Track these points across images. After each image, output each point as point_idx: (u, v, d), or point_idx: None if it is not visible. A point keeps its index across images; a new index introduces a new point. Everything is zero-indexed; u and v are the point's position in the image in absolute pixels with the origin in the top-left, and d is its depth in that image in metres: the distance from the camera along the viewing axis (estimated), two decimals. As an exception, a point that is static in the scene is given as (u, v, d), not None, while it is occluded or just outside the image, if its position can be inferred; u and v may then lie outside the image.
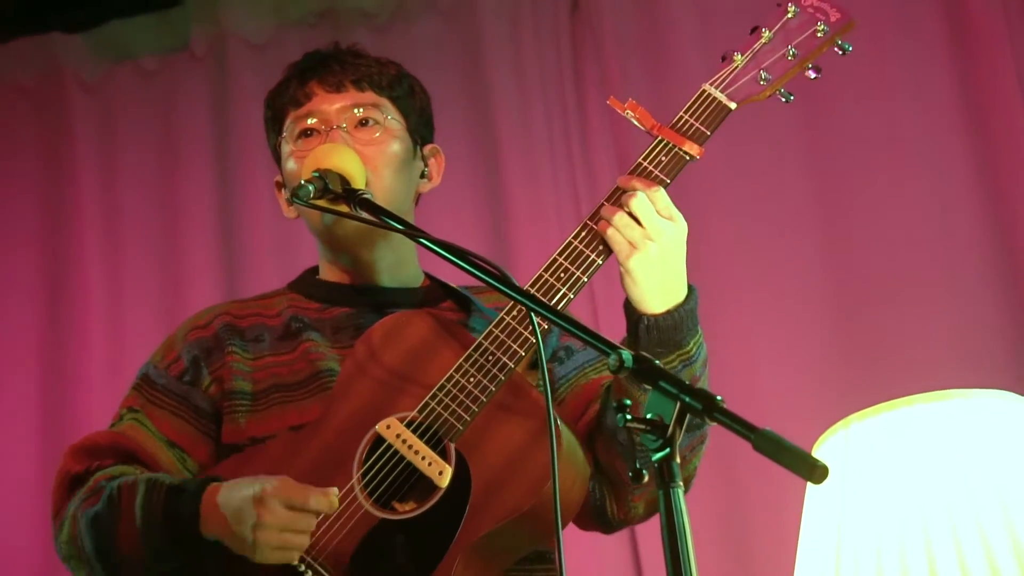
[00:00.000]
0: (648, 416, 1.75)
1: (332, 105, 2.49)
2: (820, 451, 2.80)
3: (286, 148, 2.51)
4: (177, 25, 4.61)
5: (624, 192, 2.25)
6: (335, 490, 2.16)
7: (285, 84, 2.55)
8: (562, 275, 2.25)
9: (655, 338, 2.24)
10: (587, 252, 2.25)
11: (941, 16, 4.07)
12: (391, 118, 2.50)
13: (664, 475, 1.74)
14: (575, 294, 2.24)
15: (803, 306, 3.99)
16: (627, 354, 1.80)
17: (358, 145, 2.44)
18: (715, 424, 1.73)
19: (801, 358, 3.94)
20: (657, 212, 2.22)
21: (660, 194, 2.23)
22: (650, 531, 3.88)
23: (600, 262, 2.25)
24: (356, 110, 2.48)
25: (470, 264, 2.14)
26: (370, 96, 2.50)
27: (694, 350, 2.29)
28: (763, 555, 3.81)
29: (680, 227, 2.25)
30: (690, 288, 2.28)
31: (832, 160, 4.07)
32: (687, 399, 1.74)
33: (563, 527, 2.29)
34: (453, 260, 2.15)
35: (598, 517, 2.43)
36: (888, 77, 4.06)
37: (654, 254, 2.22)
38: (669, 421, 1.74)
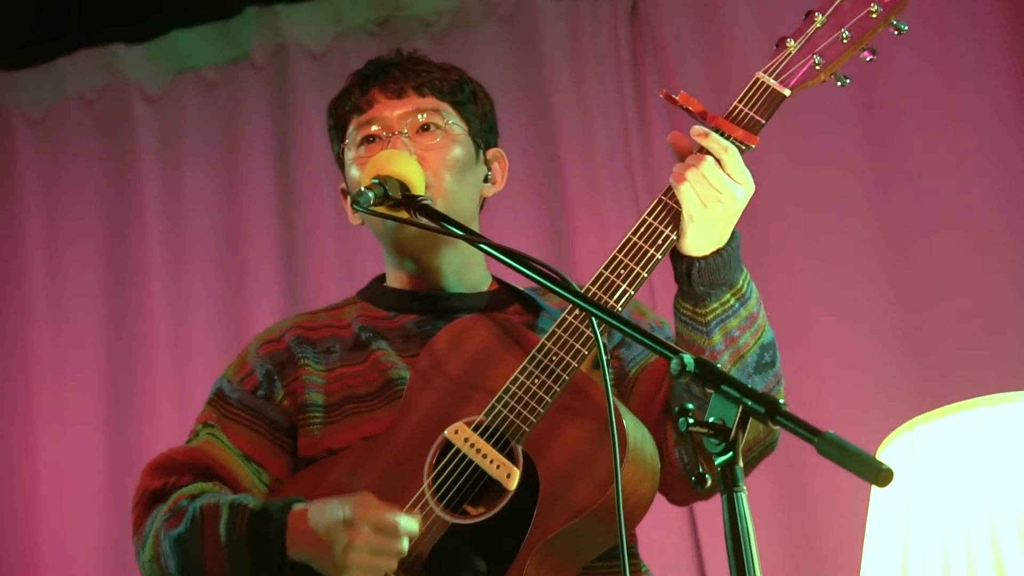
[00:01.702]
0: (710, 420, 1.75)
1: (393, 111, 2.49)
2: (884, 454, 2.79)
3: (349, 155, 2.53)
4: (237, 35, 4.64)
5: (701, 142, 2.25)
6: (418, 516, 2.20)
7: (347, 92, 2.56)
8: (636, 254, 2.25)
9: (707, 279, 2.25)
10: (661, 228, 2.25)
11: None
12: (452, 123, 2.51)
13: (727, 479, 1.73)
14: (649, 272, 2.25)
15: (866, 309, 3.96)
16: (688, 358, 1.80)
17: (419, 150, 2.44)
18: (778, 427, 1.72)
19: (864, 361, 3.92)
20: (730, 175, 2.23)
21: (736, 156, 2.24)
22: (714, 534, 3.87)
23: (675, 237, 2.25)
24: (418, 116, 2.49)
25: (531, 269, 2.15)
26: (431, 101, 2.51)
27: (745, 286, 2.29)
28: (828, 559, 3.79)
29: (749, 190, 2.25)
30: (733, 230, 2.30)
31: (893, 157, 4.04)
32: (749, 402, 1.74)
33: (635, 523, 2.30)
34: (513, 265, 2.17)
35: (695, 487, 2.41)
36: (949, 59, 4.03)
37: (720, 213, 2.23)
38: (731, 425, 1.74)
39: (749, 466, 2.32)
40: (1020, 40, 4.04)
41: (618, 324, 2.06)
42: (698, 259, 2.25)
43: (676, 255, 2.28)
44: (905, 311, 3.94)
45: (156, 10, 4.71)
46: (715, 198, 2.22)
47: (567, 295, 2.12)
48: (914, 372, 3.86)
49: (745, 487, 1.73)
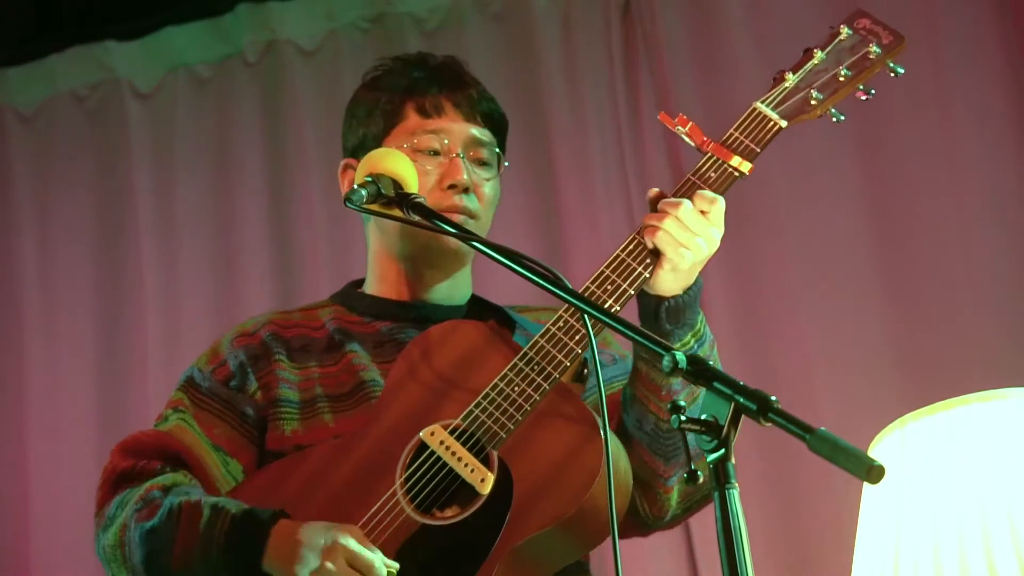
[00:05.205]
0: (703, 417, 1.76)
1: (463, 132, 2.50)
2: (876, 451, 2.79)
3: (404, 145, 2.49)
4: (230, 32, 4.64)
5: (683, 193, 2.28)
6: (396, 566, 2.17)
7: (410, 78, 2.55)
8: (608, 287, 2.27)
9: (674, 318, 2.30)
10: (634, 264, 2.28)
11: (998, 30, 4.04)
12: (499, 159, 2.55)
13: (719, 476, 1.74)
14: (621, 306, 2.27)
15: (858, 307, 3.97)
16: (681, 355, 1.80)
17: (473, 178, 2.48)
18: (771, 425, 1.73)
19: (856, 358, 3.92)
20: (711, 222, 2.26)
21: (722, 206, 2.27)
22: (706, 533, 3.87)
23: (647, 275, 2.28)
24: (482, 148, 2.52)
25: (523, 267, 2.15)
26: (489, 135, 2.54)
27: (702, 328, 2.34)
28: (820, 556, 3.80)
29: (721, 232, 2.30)
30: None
31: (888, 164, 4.05)
32: (741, 400, 1.75)
33: (605, 536, 2.27)
34: (506, 263, 2.17)
35: (632, 517, 2.43)
36: (945, 89, 4.03)
37: (703, 257, 2.27)
38: (723, 422, 1.75)
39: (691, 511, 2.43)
40: (1006, 28, 4.04)
41: (611, 322, 2.06)
42: (667, 299, 2.29)
43: (643, 293, 2.31)
44: (897, 308, 3.95)
45: (148, 7, 4.70)
46: (698, 245, 2.25)
47: (559, 292, 2.12)
48: (906, 369, 3.87)
49: (737, 484, 1.73)
